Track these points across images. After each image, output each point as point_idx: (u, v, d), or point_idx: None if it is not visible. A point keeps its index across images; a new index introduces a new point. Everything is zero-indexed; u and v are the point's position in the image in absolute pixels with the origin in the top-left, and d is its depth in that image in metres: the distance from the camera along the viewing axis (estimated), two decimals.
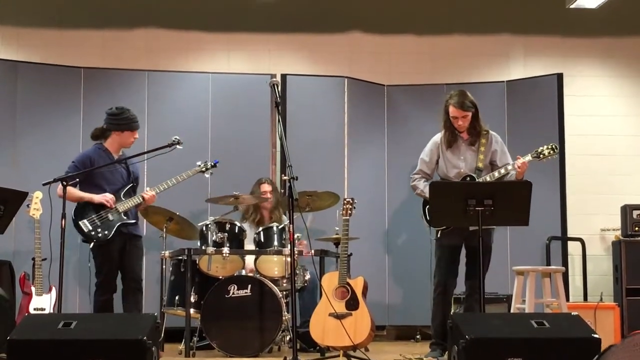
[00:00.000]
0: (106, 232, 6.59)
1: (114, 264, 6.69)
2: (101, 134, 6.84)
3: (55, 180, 6.20)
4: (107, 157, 6.75)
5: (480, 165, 6.55)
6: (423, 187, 6.59)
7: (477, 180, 6.44)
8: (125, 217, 6.68)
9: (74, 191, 6.57)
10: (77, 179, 6.54)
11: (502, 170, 6.49)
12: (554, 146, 6.51)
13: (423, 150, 6.78)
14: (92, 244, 6.60)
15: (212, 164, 7.02)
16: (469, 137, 6.62)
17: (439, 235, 6.51)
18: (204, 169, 6.98)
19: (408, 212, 8.48)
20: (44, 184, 6.25)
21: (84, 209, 6.64)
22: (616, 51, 9.28)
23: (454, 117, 6.55)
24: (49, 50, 8.62)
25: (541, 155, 6.47)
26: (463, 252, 6.58)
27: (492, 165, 6.63)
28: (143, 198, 6.74)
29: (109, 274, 6.69)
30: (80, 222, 6.59)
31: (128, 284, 6.75)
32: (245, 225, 7.24)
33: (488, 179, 6.46)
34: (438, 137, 6.71)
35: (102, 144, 6.82)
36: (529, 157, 6.46)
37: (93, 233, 6.58)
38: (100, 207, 6.63)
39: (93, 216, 6.61)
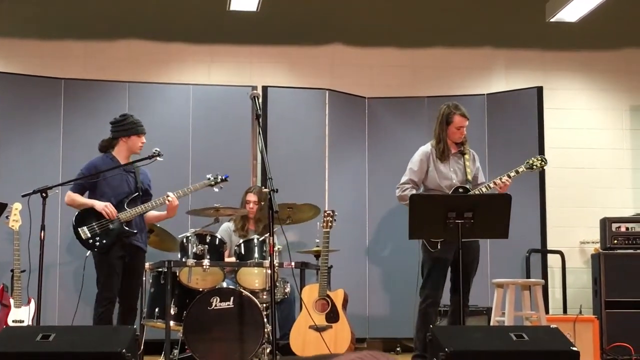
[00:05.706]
0: (104, 241, 6.37)
1: (113, 275, 6.42)
2: (109, 144, 6.66)
3: (34, 192, 6.13)
4: (113, 165, 6.55)
5: (469, 177, 6.56)
6: None
7: (470, 192, 6.44)
8: (126, 227, 6.45)
9: (78, 198, 6.48)
10: (58, 186, 6.46)
11: (484, 189, 6.48)
12: (542, 157, 6.66)
13: (411, 160, 6.71)
14: (89, 253, 6.43)
15: (222, 177, 6.82)
16: (457, 149, 6.64)
17: (439, 247, 6.34)
18: (212, 183, 6.79)
19: (389, 224, 8.49)
20: (23, 196, 6.19)
21: (85, 216, 6.43)
22: (596, 64, 9.34)
23: (459, 127, 6.56)
24: (30, 60, 8.58)
25: (534, 167, 6.58)
26: None
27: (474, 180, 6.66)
28: (168, 203, 6.56)
29: (107, 284, 6.39)
30: (79, 229, 6.38)
31: (122, 302, 6.51)
32: (235, 235, 7.30)
33: (477, 192, 6.46)
34: (428, 147, 6.67)
35: (110, 153, 6.65)
36: (522, 168, 6.52)
37: (91, 241, 6.37)
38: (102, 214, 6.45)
39: (94, 224, 6.40)
